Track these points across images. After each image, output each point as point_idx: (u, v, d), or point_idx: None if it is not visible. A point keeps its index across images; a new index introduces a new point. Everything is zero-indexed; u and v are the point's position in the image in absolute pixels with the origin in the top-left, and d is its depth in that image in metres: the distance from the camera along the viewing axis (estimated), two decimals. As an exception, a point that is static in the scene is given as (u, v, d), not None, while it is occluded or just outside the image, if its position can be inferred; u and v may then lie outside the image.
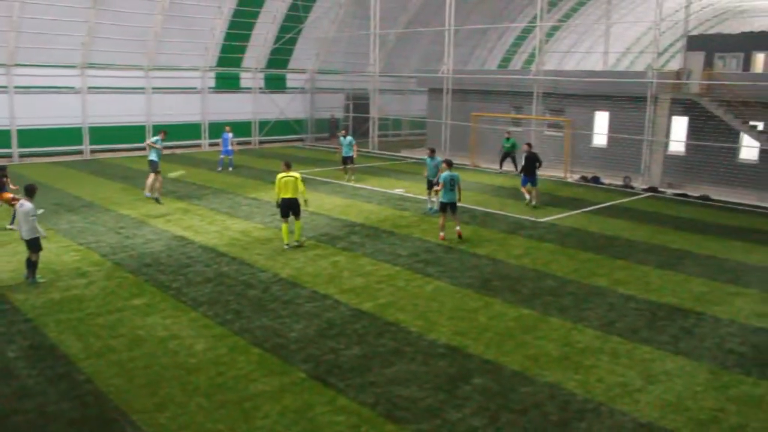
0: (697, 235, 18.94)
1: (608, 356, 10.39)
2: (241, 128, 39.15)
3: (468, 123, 33.91)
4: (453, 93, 35.29)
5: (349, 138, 27.07)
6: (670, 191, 26.59)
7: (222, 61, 37.72)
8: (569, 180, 29.30)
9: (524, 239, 17.92)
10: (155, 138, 22.43)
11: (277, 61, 40.54)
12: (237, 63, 38.73)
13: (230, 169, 29.52)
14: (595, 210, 22.39)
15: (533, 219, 20.43)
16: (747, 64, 35.09)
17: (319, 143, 42.64)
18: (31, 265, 13.20)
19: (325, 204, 21.93)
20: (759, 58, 34.92)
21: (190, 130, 37.01)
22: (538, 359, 10.19)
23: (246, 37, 37.88)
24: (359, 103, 43.54)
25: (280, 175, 16.11)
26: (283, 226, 16.37)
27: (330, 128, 44.42)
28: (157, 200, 21.16)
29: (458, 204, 17.63)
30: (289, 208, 16.13)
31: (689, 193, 25.91)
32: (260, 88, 40.04)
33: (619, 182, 28.19)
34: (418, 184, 26.38)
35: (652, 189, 26.89)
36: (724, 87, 26.69)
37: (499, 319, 11.92)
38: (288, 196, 15.99)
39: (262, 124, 40.03)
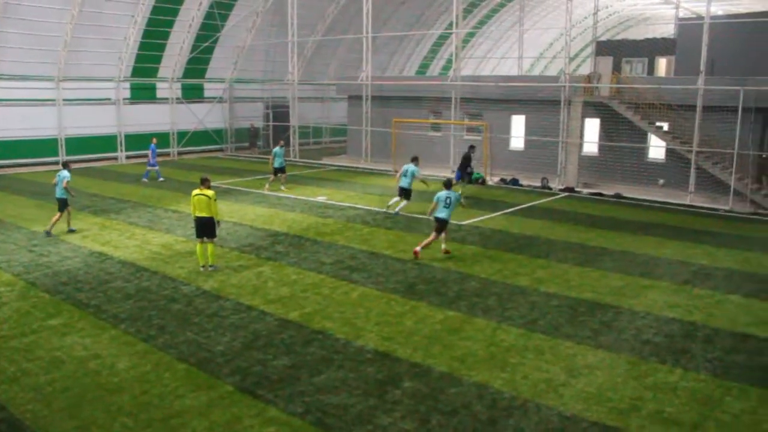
0: (612, 232, 19.65)
1: (533, 353, 10.65)
2: (159, 139, 38.22)
3: (389, 129, 34.16)
4: (373, 100, 35.51)
5: (282, 149, 26.89)
6: (585, 191, 27.51)
7: (137, 71, 36.75)
8: (489, 183, 29.89)
9: (447, 242, 18.14)
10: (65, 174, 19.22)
11: (194, 70, 39.80)
12: (153, 73, 37.81)
13: (160, 179, 29.09)
14: (515, 211, 22.93)
15: (456, 222, 20.73)
16: (651, 68, 36.73)
17: (239, 153, 42.09)
18: None
19: (247, 214, 21.66)
20: (661, 62, 36.61)
21: (106, 143, 35.85)
22: (465, 360, 10.35)
23: (161, 47, 37.04)
24: (279, 111, 43.27)
25: (193, 193, 14.94)
26: (198, 246, 15.24)
27: (250, 137, 43.92)
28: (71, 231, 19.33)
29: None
30: (202, 227, 14.95)
31: (603, 192, 26.88)
32: (177, 98, 39.21)
33: (538, 184, 28.97)
34: (341, 192, 26.46)
35: (569, 189, 27.76)
36: (631, 90, 27.86)
37: (426, 322, 12.04)
38: (200, 215, 14.81)
39: (181, 135, 39.21)
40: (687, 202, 24.99)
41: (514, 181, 29.61)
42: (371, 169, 34.16)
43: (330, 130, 47.61)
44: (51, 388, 9.28)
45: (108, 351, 10.57)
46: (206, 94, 41.40)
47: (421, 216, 21.63)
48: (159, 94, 38.64)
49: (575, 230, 19.94)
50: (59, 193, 18.70)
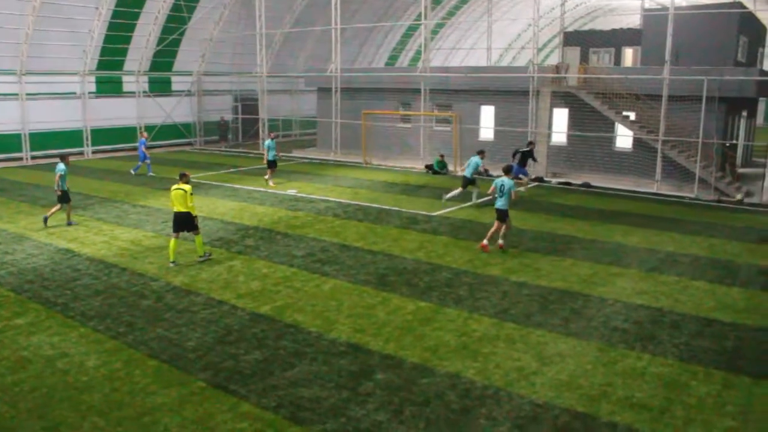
0: (581, 221, 19.87)
1: (504, 342, 10.73)
2: (126, 134, 37.79)
3: (358, 121, 34.10)
4: (342, 92, 35.41)
5: (274, 141, 26.59)
6: (554, 180, 27.76)
7: (102, 65, 36.19)
8: (460, 173, 29.97)
9: (418, 233, 18.22)
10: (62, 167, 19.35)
11: (161, 63, 39.32)
12: (118, 66, 37.27)
13: (150, 173, 28.87)
14: (485, 201, 23.03)
15: (426, 213, 20.81)
16: (618, 58, 37.14)
17: (208, 147, 41.70)
18: None
19: (217, 208, 21.49)
20: (628, 52, 37.02)
21: (71, 138, 35.26)
22: (437, 350, 10.40)
23: (127, 40, 36.49)
24: (248, 104, 42.97)
25: (172, 187, 15.04)
26: (172, 241, 15.14)
27: (220, 131, 43.54)
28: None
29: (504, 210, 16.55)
30: (179, 222, 14.98)
31: (572, 181, 27.15)
32: (144, 92, 38.71)
33: (507, 174, 29.09)
34: (311, 184, 26.38)
35: (538, 179, 27.97)
36: (598, 80, 28.14)
37: (397, 313, 12.07)
38: (178, 209, 14.87)
39: (149, 129, 38.69)
40: (654, 190, 25.36)
41: (485, 172, 29.70)
42: (341, 162, 34.08)
43: (300, 122, 47.38)
44: (18, 389, 9.12)
45: (76, 349, 10.43)
46: (174, 87, 40.96)
47: (390, 208, 21.67)
48: (125, 87, 38.13)
49: (545, 219, 20.11)
50: (64, 185, 18.93)
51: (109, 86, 37.21)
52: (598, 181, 26.96)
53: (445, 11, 53.09)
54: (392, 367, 9.77)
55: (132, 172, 28.97)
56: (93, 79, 36.07)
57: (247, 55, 41.58)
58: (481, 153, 22.76)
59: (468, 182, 22.04)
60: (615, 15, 59.88)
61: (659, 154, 25.93)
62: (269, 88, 40.16)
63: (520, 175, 24.25)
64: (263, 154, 26.70)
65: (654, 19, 31.75)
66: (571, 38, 38.77)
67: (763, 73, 29.25)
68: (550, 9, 46.71)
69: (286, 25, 42.42)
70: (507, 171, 16.78)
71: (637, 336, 11.03)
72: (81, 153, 35.52)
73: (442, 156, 30.40)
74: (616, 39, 37.64)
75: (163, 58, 39.17)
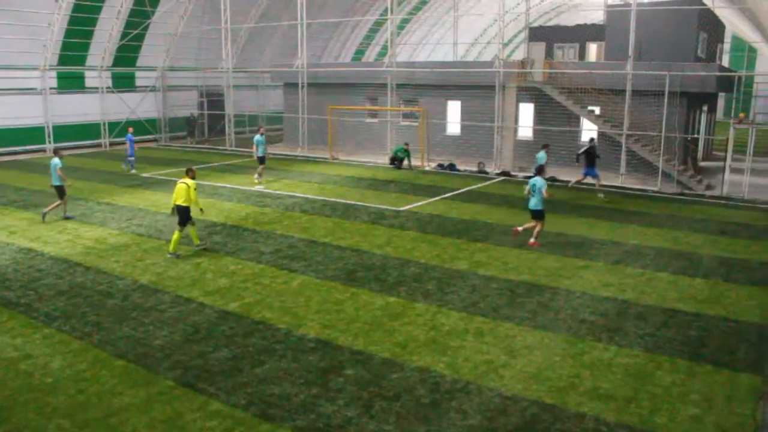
0: (547, 215, 19.99)
1: (473, 336, 10.80)
2: (89, 130, 37.11)
3: (325, 116, 33.98)
4: (309, 87, 35.22)
5: (264, 137, 26.07)
6: (521, 174, 27.97)
7: (63, 60, 35.44)
8: (427, 168, 30.09)
9: (386, 228, 18.24)
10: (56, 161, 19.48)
11: (125, 58, 38.65)
12: (80, 61, 36.55)
13: (132, 171, 28.47)
14: (452, 196, 23.15)
15: (394, 209, 20.83)
16: (582, 53, 37.54)
17: (174, 143, 41.19)
18: None
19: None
20: (592, 48, 37.45)
21: (32, 134, 34.52)
22: (406, 345, 10.42)
23: (89, 34, 35.78)
24: (214, 99, 42.49)
25: (178, 181, 15.75)
26: (175, 233, 15.58)
27: (188, 127, 43.00)
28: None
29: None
30: (179, 215, 15.57)
31: (538, 176, 27.35)
32: (108, 88, 38.03)
33: (474, 168, 29.31)
34: (278, 180, 26.20)
35: (505, 173, 28.18)
36: (563, 75, 28.42)
37: (366, 308, 12.06)
38: (178, 202, 15.47)
39: (112, 126, 38.08)
40: (618, 183, 25.71)
41: (451, 166, 29.88)
42: (308, 157, 33.93)
43: (266, 118, 47.03)
44: (-20, 391, 8.93)
45: (41, 351, 10.23)
46: (138, 83, 40.29)
47: (358, 204, 21.65)
48: (88, 83, 37.37)
49: (512, 213, 20.27)
50: (55, 181, 19.04)
51: (71, 82, 36.46)
52: (565, 175, 27.22)
53: (411, 6, 53.11)
54: (362, 363, 9.77)
55: (132, 170, 28.57)
56: (54, 74, 35.32)
57: (212, 50, 41.11)
58: (545, 147, 23.47)
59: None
60: (579, 11, 60.60)
61: (623, 148, 26.28)
62: (235, 83, 39.77)
63: (589, 176, 23.50)
64: (253, 151, 26.03)
65: (617, 15, 32.14)
66: (536, 34, 39.09)
67: (722, 68, 29.86)
68: (516, 4, 47.02)
69: (252, 20, 42.06)
70: (537, 171, 17.01)
71: (604, 327, 11.19)
72: (43, 150, 34.79)
73: (407, 144, 30.35)
74: (581, 34, 38.06)
75: (127, 53, 38.50)
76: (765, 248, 16.43)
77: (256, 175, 25.78)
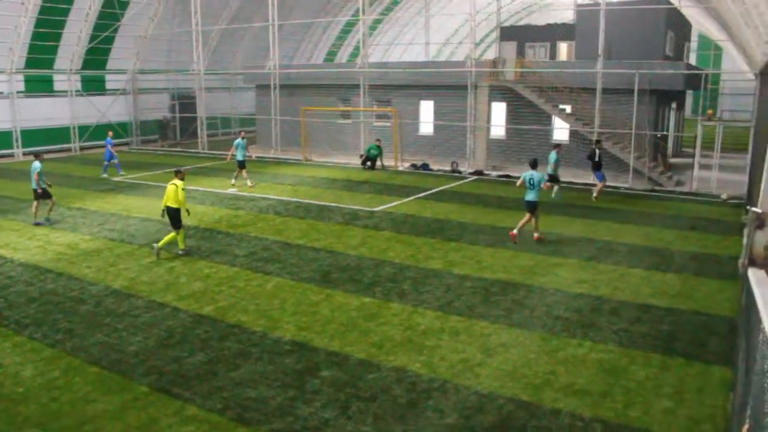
0: (520, 213, 20.08)
1: (449, 335, 10.81)
2: (58, 134, 36.57)
3: (298, 118, 33.86)
4: (281, 88, 35.07)
5: (243, 140, 25.52)
6: (494, 173, 28.13)
7: (31, 63, 34.82)
8: (400, 168, 30.11)
9: (360, 229, 18.21)
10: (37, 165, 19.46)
11: (94, 61, 38.12)
12: (49, 64, 35.97)
13: (104, 175, 28.15)
14: (426, 196, 23.19)
15: (368, 209, 20.81)
16: (553, 52, 37.86)
17: (146, 146, 40.76)
18: None
19: (156, 209, 20.98)
20: (563, 47, 37.79)
21: (0, 139, 33.93)
22: (382, 345, 10.40)
23: (57, 36, 35.21)
24: (185, 102, 42.10)
25: (169, 183, 15.85)
26: (171, 234, 15.79)
27: (161, 130, 42.55)
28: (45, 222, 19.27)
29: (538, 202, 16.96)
30: (169, 217, 15.68)
31: (512, 174, 27.53)
32: (77, 91, 37.50)
33: (448, 168, 29.40)
34: (253, 183, 25.99)
35: (478, 172, 28.30)
36: (535, 74, 28.62)
37: (342, 310, 12.03)
38: (168, 204, 15.59)
39: (82, 129, 37.54)
40: (590, 181, 25.91)
41: (425, 166, 29.94)
42: (281, 159, 33.78)
43: (238, 120, 46.73)
44: (-52, 401, 8.75)
45: (11, 359, 10.04)
46: (108, 86, 39.75)
47: (332, 205, 21.60)
48: (57, 86, 36.78)
49: (485, 212, 20.36)
50: (35, 184, 19.01)
51: (39, 85, 35.86)
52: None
53: (383, 7, 53.10)
54: (338, 364, 9.73)
55: (104, 174, 28.25)
56: (21, 77, 34.75)
57: (183, 52, 40.76)
58: (557, 147, 22.93)
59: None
60: (550, 10, 61.08)
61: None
62: (207, 85, 39.50)
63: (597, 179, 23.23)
64: (232, 154, 25.58)
65: (587, 14, 32.45)
66: (507, 33, 39.37)
67: (689, 66, 30.30)
68: (487, 4, 47.22)
69: (223, 22, 41.77)
70: (533, 165, 17.08)
71: (578, 324, 11.27)
72: (11, 155, 34.21)
73: (378, 141, 30.28)
74: (552, 34, 38.41)
75: (96, 56, 37.96)
76: (734, 243, 16.68)
77: (232, 179, 25.58)
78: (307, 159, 32.94)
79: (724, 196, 21.57)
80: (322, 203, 21.79)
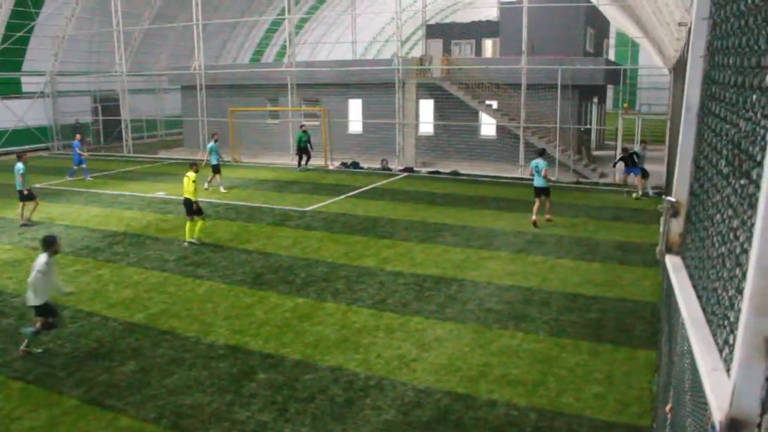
0: (451, 208, 20.44)
1: (384, 332, 10.87)
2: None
3: (226, 119, 33.36)
4: (207, 89, 34.49)
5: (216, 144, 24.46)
6: (424, 170, 28.40)
7: (-63, 66, 33.24)
8: (330, 168, 30.05)
9: (292, 230, 18.11)
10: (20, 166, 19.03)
11: (8, 63, 36.54)
12: (-43, 67, 34.38)
13: (88, 178, 27.27)
14: (357, 194, 23.23)
15: (299, 209, 20.70)
16: (479, 49, 38.46)
17: (68, 151, 39.31)
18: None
19: (81, 215, 20.36)
20: (488, 44, 38.43)
21: None
22: (318, 345, 10.37)
23: (-36, 38, 33.69)
24: (109, 105, 40.87)
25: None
26: (188, 223, 16.64)
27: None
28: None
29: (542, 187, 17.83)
30: (186, 206, 16.67)
31: (441, 170, 27.88)
32: (-10, 95, 35.94)
33: (378, 166, 29.51)
34: (180, 186, 25.42)
35: (408, 169, 28.52)
36: (461, 71, 29.02)
37: (276, 311, 11.94)
38: (184, 195, 16.67)
39: (-3, 135, 36.04)
40: (518, 175, 26.49)
41: (355, 165, 29.98)
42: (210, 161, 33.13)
43: (164, 122, 45.71)
44: None
45: (-74, 376, 9.57)
46: (25, 89, 38.14)
47: (263, 206, 21.39)
48: (-33, 90, 35.23)
49: (416, 209, 20.53)
50: (20, 186, 18.91)
51: (-53, 89, 34.24)
52: (466, 168, 27.84)
53: (308, 5, 52.87)
54: (274, 366, 9.66)
55: (71, 176, 27.42)
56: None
57: (104, 53, 39.53)
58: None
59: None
60: (474, 8, 61.93)
61: (521, 141, 27.10)
62: (130, 87, 38.45)
63: (633, 174, 22.76)
64: (205, 159, 24.60)
65: (510, 12, 33.11)
66: (433, 31, 39.77)
67: (609, 62, 31.28)
68: (412, 2, 47.61)
69: (146, 22, 40.74)
70: (540, 153, 18.32)
71: (510, 315, 11.50)
72: None
73: (302, 127, 29.41)
74: (476, 31, 38.99)
75: (10, 57, 36.39)
76: (656, 231, 17.27)
77: (206, 184, 24.53)
78: (236, 160, 32.49)
79: (635, 196, 22.25)
80: (252, 204, 21.55)
